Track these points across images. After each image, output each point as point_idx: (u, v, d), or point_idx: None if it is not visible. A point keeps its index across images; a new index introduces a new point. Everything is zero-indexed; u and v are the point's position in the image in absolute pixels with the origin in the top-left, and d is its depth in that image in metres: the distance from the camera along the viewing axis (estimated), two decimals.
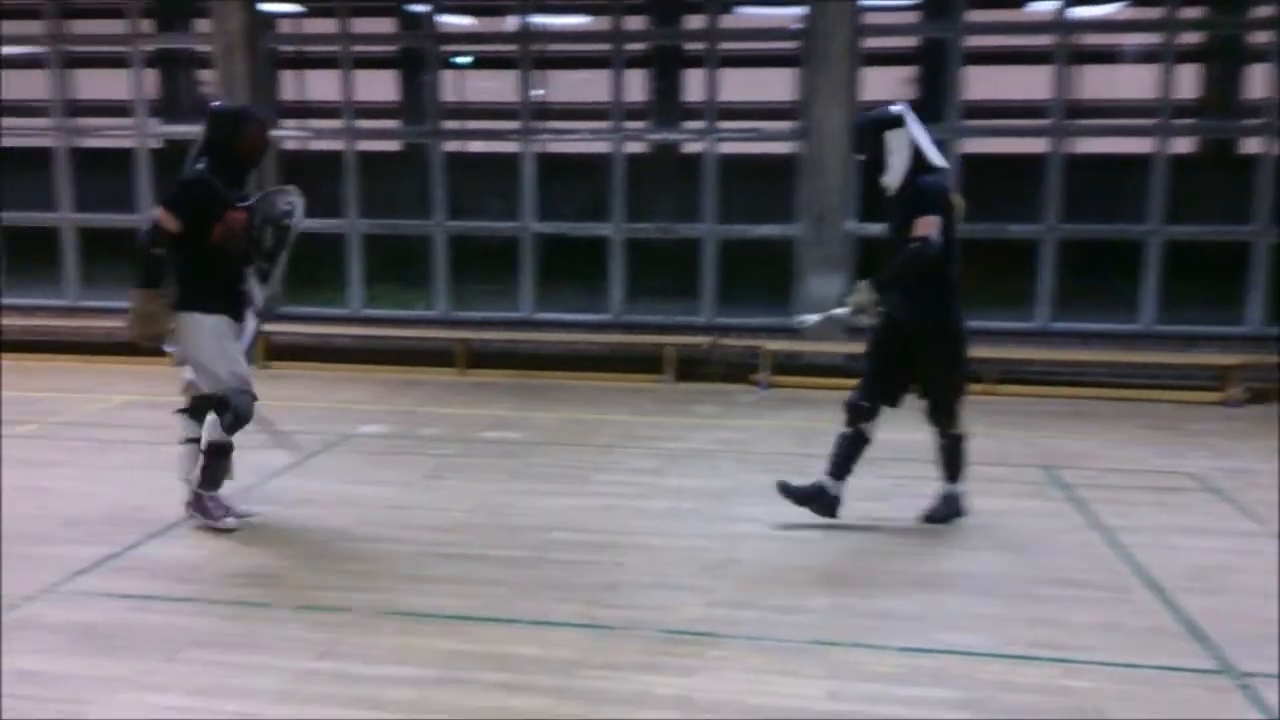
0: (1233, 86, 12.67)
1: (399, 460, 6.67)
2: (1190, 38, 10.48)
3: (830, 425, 7.75)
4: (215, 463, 5.20)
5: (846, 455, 5.42)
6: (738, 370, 9.51)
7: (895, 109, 5.26)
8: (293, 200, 5.27)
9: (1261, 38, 9.51)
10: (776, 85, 12.25)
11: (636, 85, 12.65)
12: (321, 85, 12.77)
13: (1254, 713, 3.54)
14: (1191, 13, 9.99)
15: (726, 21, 10.10)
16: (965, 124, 9.70)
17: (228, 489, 5.38)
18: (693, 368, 9.58)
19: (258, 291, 5.32)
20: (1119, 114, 10.59)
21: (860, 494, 5.84)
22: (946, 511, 5.49)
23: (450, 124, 11.31)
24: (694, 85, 11.09)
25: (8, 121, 11.65)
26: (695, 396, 8.87)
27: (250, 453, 6.54)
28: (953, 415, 5.42)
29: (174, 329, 5.05)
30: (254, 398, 5.20)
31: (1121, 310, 9.57)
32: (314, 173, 10.67)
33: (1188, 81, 11.02)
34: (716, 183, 9.81)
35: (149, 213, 4.94)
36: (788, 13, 9.92)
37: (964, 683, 3.72)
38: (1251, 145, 10.25)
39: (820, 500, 5.39)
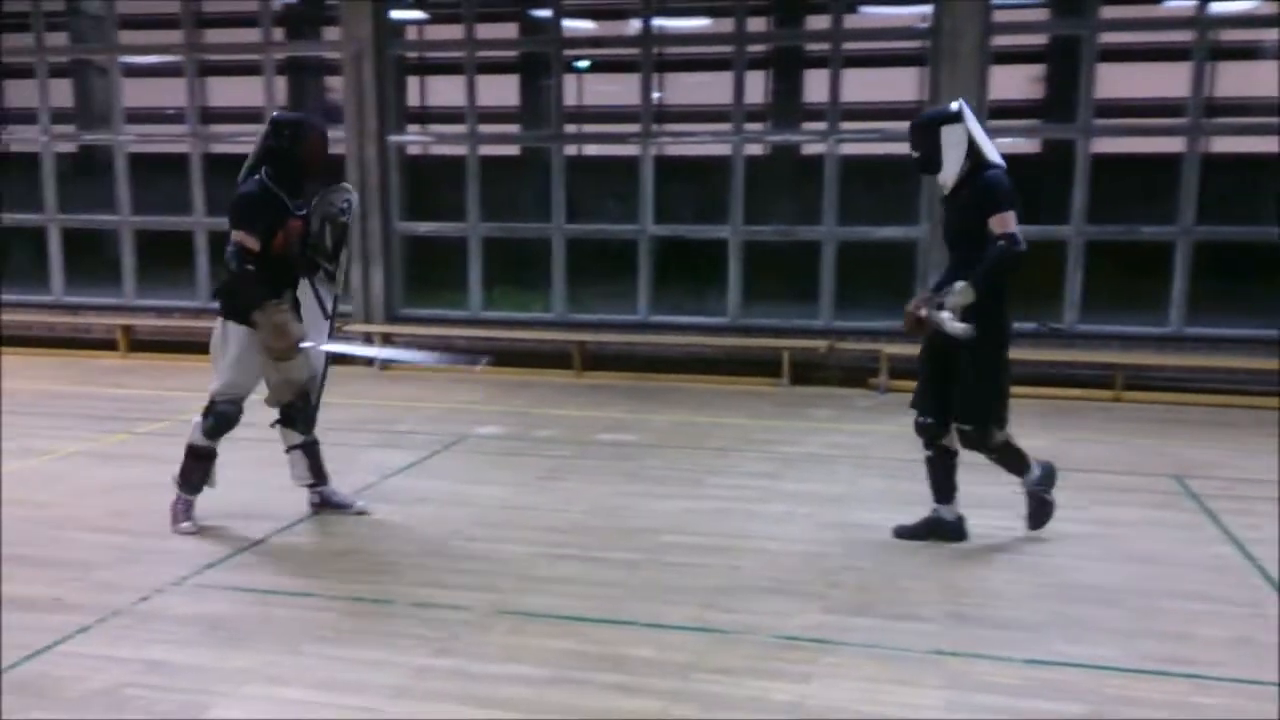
0: None
1: (514, 461, 6.73)
2: None
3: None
4: (192, 465, 5.28)
5: (940, 476, 5.20)
6: (855, 374, 9.37)
7: (954, 106, 5.05)
8: (348, 198, 5.35)
9: None
10: (900, 85, 12.03)
11: (756, 86, 12.55)
12: (444, 90, 13.00)
13: None
14: None
15: (851, 21, 9.94)
16: (1097, 123, 9.36)
17: (342, 483, 5.54)
18: (809, 371, 9.46)
19: (325, 293, 5.43)
20: (1258, 112, 10.12)
21: (979, 502, 5.70)
22: (1042, 511, 5.22)
23: (570, 128, 11.37)
24: (815, 86, 10.96)
25: (145, 128, 12.20)
26: (812, 400, 8.75)
27: (368, 451, 6.76)
28: (985, 435, 5.02)
29: (304, 333, 5.17)
30: (239, 410, 5.22)
31: (1259, 315, 9.10)
32: (436, 177, 10.91)
33: None
34: (837, 184, 9.66)
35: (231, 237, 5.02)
36: (914, 11, 9.72)
37: (1088, 696, 3.59)
38: None
39: (941, 530, 5.21)
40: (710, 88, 10.46)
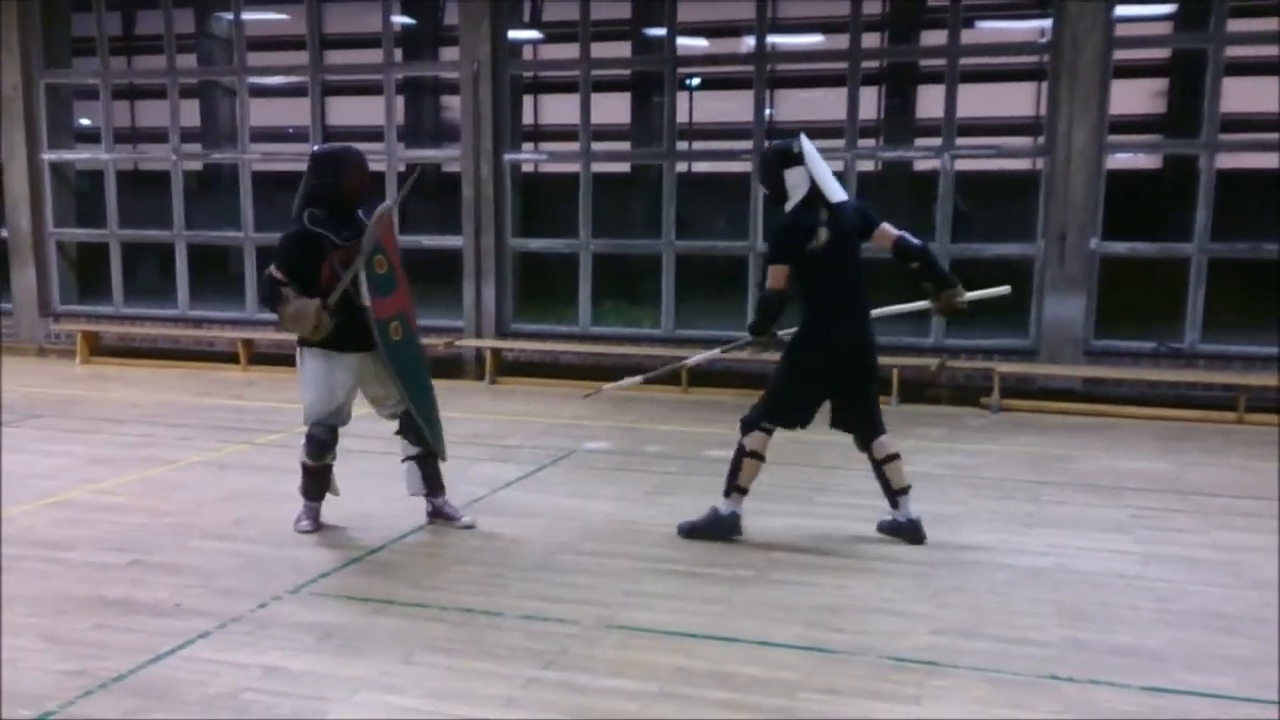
0: None
1: (622, 476, 6.78)
2: None
3: (1066, 450, 7.48)
4: (307, 480, 5.52)
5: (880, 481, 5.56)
6: (967, 393, 9.20)
7: (794, 146, 5.27)
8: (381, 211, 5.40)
9: None
10: (1016, 100, 11.82)
11: (869, 102, 12.46)
12: (558, 108, 13.21)
13: None
14: None
15: (968, 36, 9.81)
16: (1222, 138, 9.05)
17: (452, 495, 5.66)
18: (920, 389, 9.32)
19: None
20: None
21: (1099, 525, 5.59)
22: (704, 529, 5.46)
23: (681, 145, 11.43)
24: (928, 101, 10.84)
25: (269, 147, 12.65)
26: (922, 419, 8.62)
27: (479, 465, 6.86)
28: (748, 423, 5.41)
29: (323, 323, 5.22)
30: (328, 430, 5.41)
31: None
32: (549, 194, 11.08)
33: None
34: (950, 200, 9.52)
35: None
36: (1033, 25, 9.55)
37: None
38: None
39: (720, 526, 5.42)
40: (822, 103, 10.42)
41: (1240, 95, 10.77)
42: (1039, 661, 3.95)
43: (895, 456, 5.46)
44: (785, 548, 5.28)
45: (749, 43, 10.08)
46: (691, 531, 5.46)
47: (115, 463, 6.94)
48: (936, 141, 9.71)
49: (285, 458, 7.09)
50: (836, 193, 5.29)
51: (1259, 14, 10.85)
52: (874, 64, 12.94)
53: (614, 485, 6.52)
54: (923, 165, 10.64)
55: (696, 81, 14.79)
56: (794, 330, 5.36)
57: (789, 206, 5.29)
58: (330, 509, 5.60)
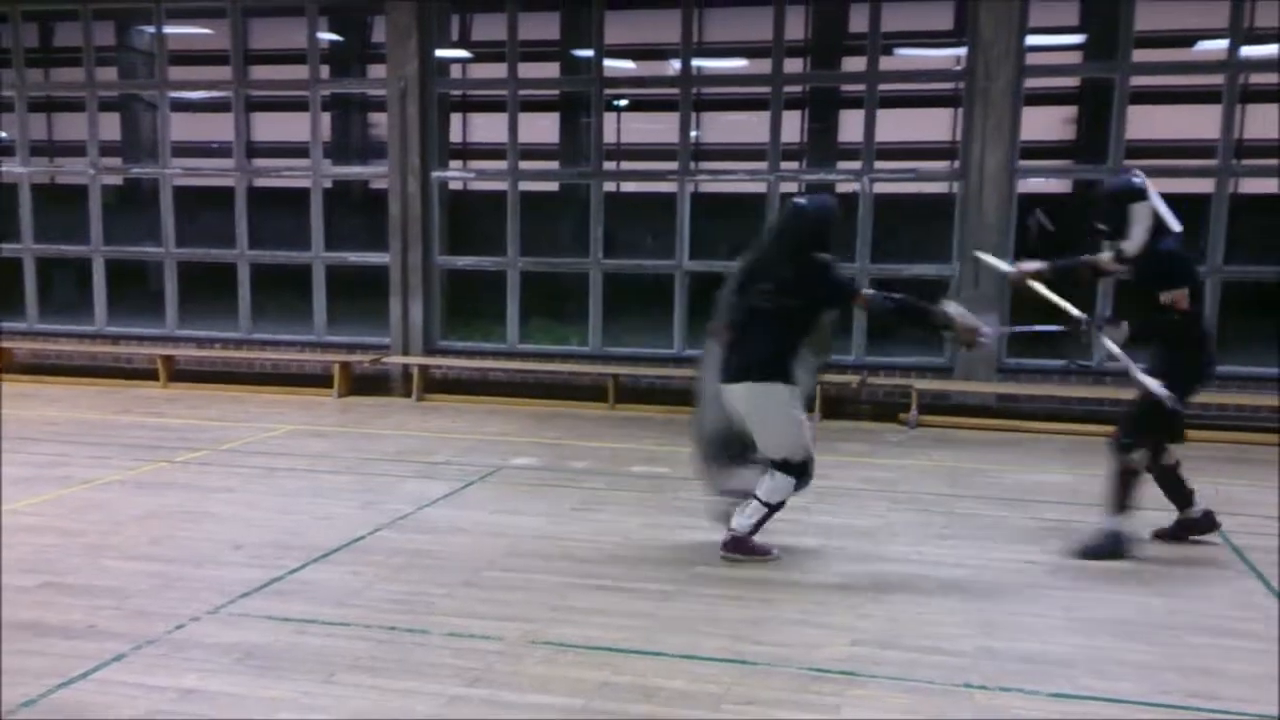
0: None
1: (549, 492, 6.82)
2: None
3: (980, 465, 7.68)
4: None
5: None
6: (886, 409, 9.40)
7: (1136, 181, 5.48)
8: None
9: None
10: (934, 125, 12.13)
11: (792, 126, 12.70)
12: (486, 127, 13.25)
13: None
14: None
15: (887, 63, 10.06)
16: (1127, 164, 9.40)
17: (378, 513, 5.61)
18: (841, 406, 9.50)
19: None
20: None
21: (1010, 537, 5.78)
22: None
23: (609, 165, 11.53)
24: (849, 125, 11.08)
25: (191, 162, 12.48)
26: (843, 435, 8.79)
27: (405, 482, 6.86)
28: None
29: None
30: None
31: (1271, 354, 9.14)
32: (476, 212, 11.11)
33: None
34: (871, 222, 9.75)
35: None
36: (949, 54, 9.84)
37: None
38: None
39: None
40: (746, 127, 10.60)
41: (1146, 122, 11.20)
42: (953, 670, 4.07)
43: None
44: (709, 562, 5.36)
45: (675, 66, 10.23)
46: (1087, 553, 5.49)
47: (29, 482, 6.79)
48: (857, 165, 9.94)
49: (205, 475, 7.02)
50: (1175, 224, 5.46)
51: (1162, 45, 11.32)
52: (797, 89, 13.20)
53: (540, 501, 6.56)
54: (844, 187, 10.86)
55: (624, 103, 14.92)
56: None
57: (1135, 237, 5.39)
58: (252, 527, 5.54)
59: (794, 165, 13.36)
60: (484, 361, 10.43)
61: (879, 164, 9.93)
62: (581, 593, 4.92)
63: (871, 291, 5.63)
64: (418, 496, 6.53)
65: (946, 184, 9.82)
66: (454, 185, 11.37)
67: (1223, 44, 9.20)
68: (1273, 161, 10.35)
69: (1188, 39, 11.32)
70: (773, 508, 5.38)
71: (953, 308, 5.46)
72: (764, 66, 10.19)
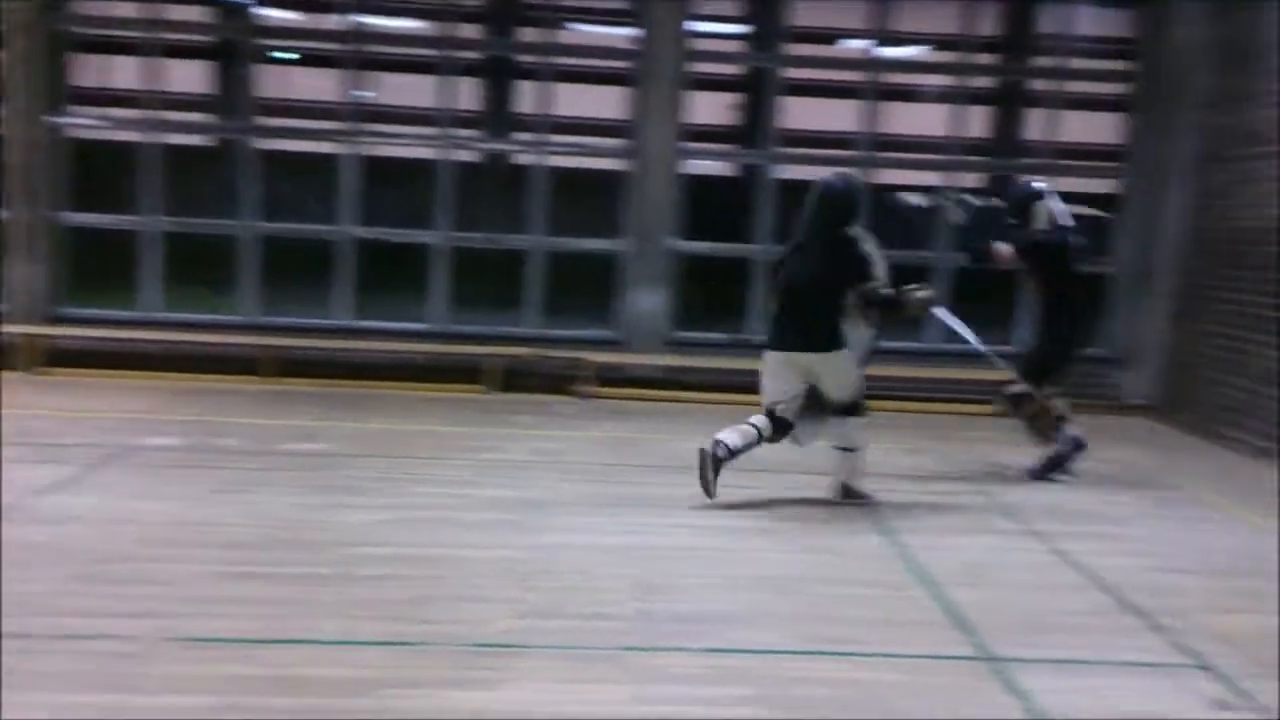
0: (1016, 128, 13.45)
1: (188, 474, 6.20)
2: (981, 82, 11.05)
3: (650, 435, 7.84)
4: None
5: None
6: (560, 382, 9.42)
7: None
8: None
9: (1039, 85, 10.14)
10: (609, 102, 12.27)
11: (469, 93, 12.43)
12: (125, 71, 12.01)
13: (1007, 694, 3.78)
14: (984, 59, 10.52)
15: (561, 37, 10.03)
16: (782, 151, 9.92)
17: None
18: (516, 379, 9.43)
19: None
20: (920, 149, 11.20)
21: (674, 503, 5.92)
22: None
23: (268, 121, 10.79)
24: (527, 97, 10.97)
25: None
26: (516, 407, 8.72)
27: (13, 467, 5.98)
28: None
29: None
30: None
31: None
32: (117, 166, 10.04)
33: (978, 122, 11.66)
34: (545, 195, 9.72)
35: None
36: (621, 32, 9.95)
37: (759, 680, 3.80)
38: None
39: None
40: (421, 90, 10.20)
41: (802, 113, 11.87)
42: (613, 635, 4.11)
43: None
44: (372, 542, 5.09)
45: (342, 19, 9.68)
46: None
47: None
48: (532, 136, 9.86)
49: None
50: (1068, 220, 6.98)
51: (816, 40, 12.04)
52: (475, 55, 12.94)
53: (178, 485, 5.95)
54: (521, 159, 10.75)
55: (288, 55, 14.02)
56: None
57: (1036, 228, 6.89)
58: None
59: (469, 133, 13.09)
60: (119, 331, 9.38)
61: (553, 137, 9.91)
62: (223, 582, 4.51)
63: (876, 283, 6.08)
64: (27, 484, 5.74)
65: (618, 162, 9.92)
66: (89, 135, 10.23)
67: (863, 43, 9.87)
68: (908, 155, 11.30)
69: (830, 37, 12.05)
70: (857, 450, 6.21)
71: (923, 292, 6.29)
72: (438, 29, 9.88)
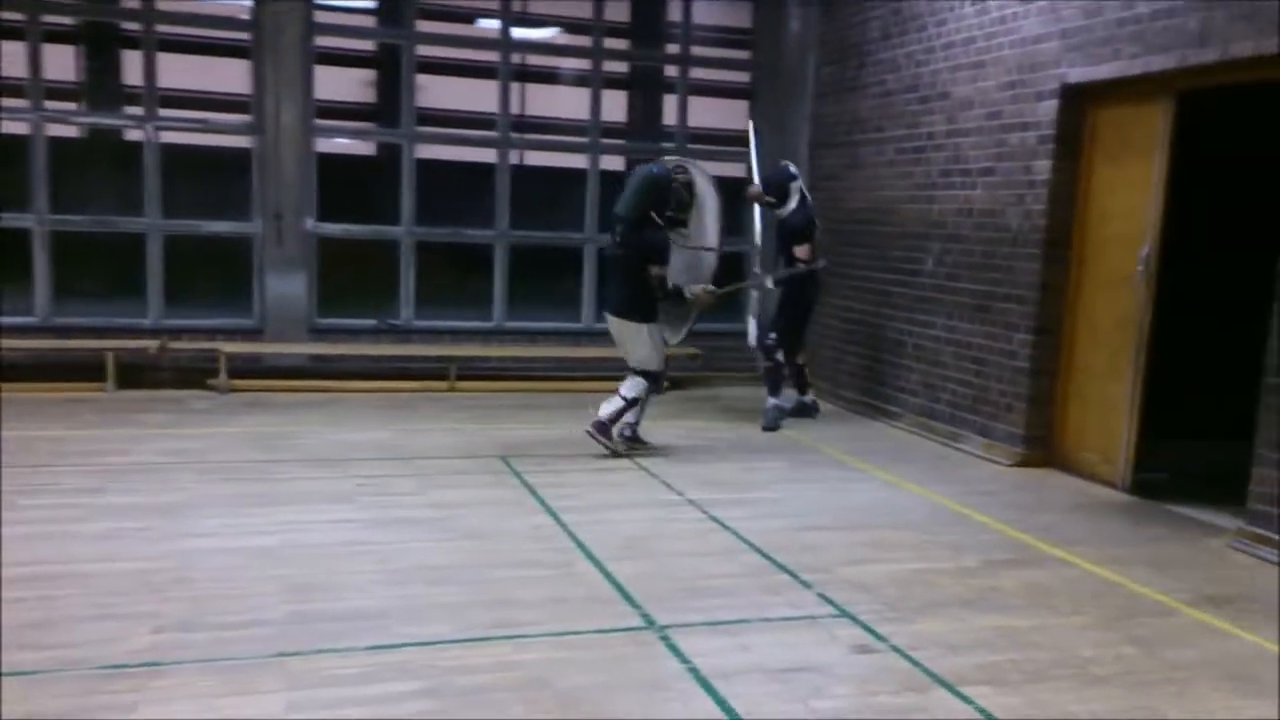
0: (655, 113, 14.09)
1: None
2: (616, 66, 11.45)
3: (294, 427, 7.56)
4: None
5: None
6: (193, 375, 8.85)
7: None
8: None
9: (672, 71, 10.68)
10: (227, 76, 11.54)
11: (66, 63, 11.24)
12: None
13: (673, 659, 3.94)
14: (617, 45, 10.92)
15: (166, 4, 9.32)
16: (420, 130, 9.83)
17: None
18: (139, 374, 8.75)
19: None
20: (560, 131, 11.45)
21: (326, 498, 5.77)
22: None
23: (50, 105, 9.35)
24: (134, 67, 10.08)
25: None
26: (143, 405, 8.12)
27: None
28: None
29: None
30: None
31: (565, 310, 10.29)
32: None
33: (616, 106, 12.05)
34: (160, 174, 9.06)
35: None
36: (237, 3, 9.41)
37: (425, 672, 3.72)
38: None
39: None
40: (15, 60, 9.11)
41: (439, 92, 11.77)
42: (265, 641, 3.90)
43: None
44: None
45: None
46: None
47: None
48: (141, 111, 9.15)
49: None
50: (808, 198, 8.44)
51: (451, 19, 11.93)
52: (69, 20, 11.73)
53: None
54: (132, 135, 9.87)
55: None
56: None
57: (790, 205, 8.22)
58: None
59: (67, 105, 11.89)
60: None
61: (165, 111, 9.23)
62: None
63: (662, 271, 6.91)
64: None
65: (242, 139, 9.37)
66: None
67: (497, 23, 9.94)
68: (549, 136, 11.50)
69: (469, 16, 12.02)
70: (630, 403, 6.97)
71: (699, 287, 7.19)
72: None
